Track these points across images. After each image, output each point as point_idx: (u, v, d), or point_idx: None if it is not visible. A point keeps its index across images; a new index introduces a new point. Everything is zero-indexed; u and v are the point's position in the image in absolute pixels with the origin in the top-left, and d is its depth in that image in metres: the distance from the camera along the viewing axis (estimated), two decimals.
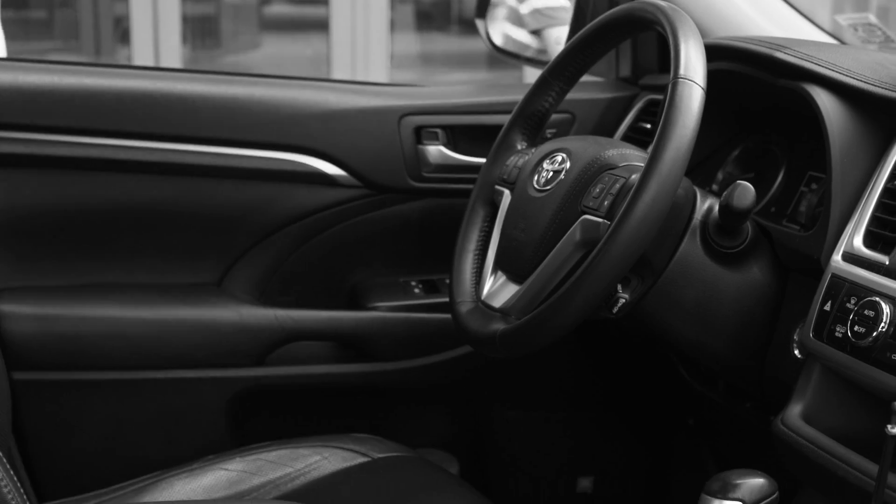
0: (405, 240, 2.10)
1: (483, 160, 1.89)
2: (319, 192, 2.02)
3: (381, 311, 2.05)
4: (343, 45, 6.83)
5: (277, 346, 2.00)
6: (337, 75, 6.36)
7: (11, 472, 1.15)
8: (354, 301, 2.10)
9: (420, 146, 2.04)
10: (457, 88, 2.21)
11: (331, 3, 6.81)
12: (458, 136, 2.06)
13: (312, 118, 2.00)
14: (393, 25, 7.08)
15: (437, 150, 2.05)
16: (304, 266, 2.07)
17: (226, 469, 1.64)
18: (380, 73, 6.38)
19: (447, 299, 1.86)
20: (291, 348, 2.02)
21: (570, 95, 1.88)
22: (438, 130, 2.05)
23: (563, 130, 2.05)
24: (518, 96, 1.89)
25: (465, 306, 1.61)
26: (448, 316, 1.84)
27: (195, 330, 1.96)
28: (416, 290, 2.09)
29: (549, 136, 2.00)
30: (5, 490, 1.13)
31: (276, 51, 7.39)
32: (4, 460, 1.15)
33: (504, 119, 1.86)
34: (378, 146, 2.02)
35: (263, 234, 2.03)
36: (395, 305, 2.05)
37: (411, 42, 7.73)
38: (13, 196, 1.92)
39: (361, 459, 1.67)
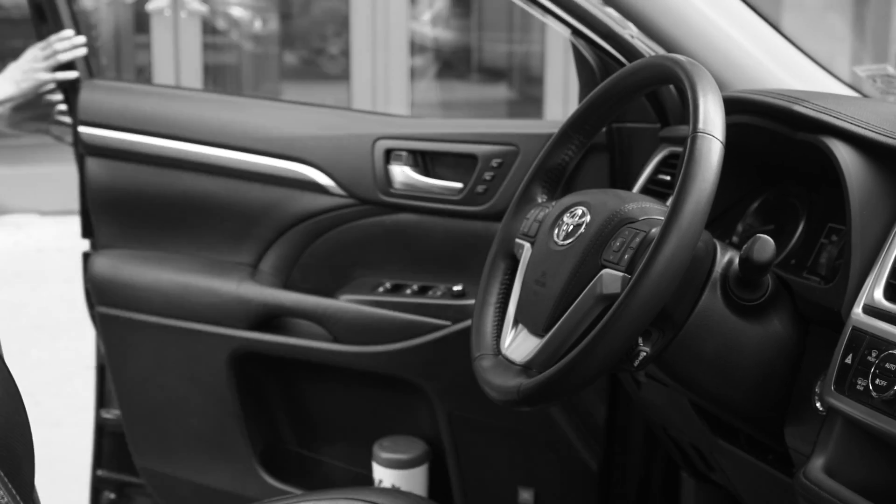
0: (385, 247, 2.42)
1: (447, 183, 2.34)
2: (318, 199, 2.41)
3: (341, 301, 2.39)
4: (363, 93, 6.87)
5: (264, 318, 2.41)
6: None
7: (13, 490, 1.16)
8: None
9: (388, 166, 2.37)
10: (429, 120, 2.60)
11: (351, 52, 6.86)
12: (427, 161, 2.39)
13: (311, 136, 2.42)
14: (413, 73, 7.12)
15: (401, 171, 2.37)
16: (316, 260, 2.45)
17: None
18: None
19: (404, 300, 2.34)
20: (292, 327, 2.44)
21: (515, 129, 2.31)
22: (403, 153, 2.37)
23: (508, 161, 2.28)
24: (481, 129, 2.35)
25: (486, 360, 1.61)
26: (398, 314, 2.34)
27: (208, 294, 2.42)
28: (380, 290, 2.40)
29: (494, 164, 2.28)
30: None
31: (296, 99, 7.46)
32: (6, 478, 1.16)
33: (467, 147, 2.32)
34: (357, 163, 2.39)
35: (283, 229, 2.44)
36: (355, 299, 2.38)
37: (431, 90, 7.77)
38: (126, 183, 2.48)
39: None
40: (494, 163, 2.29)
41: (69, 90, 2.52)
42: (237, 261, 2.48)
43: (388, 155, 2.37)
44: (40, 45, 2.47)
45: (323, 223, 2.42)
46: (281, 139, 2.41)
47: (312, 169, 2.40)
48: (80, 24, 2.54)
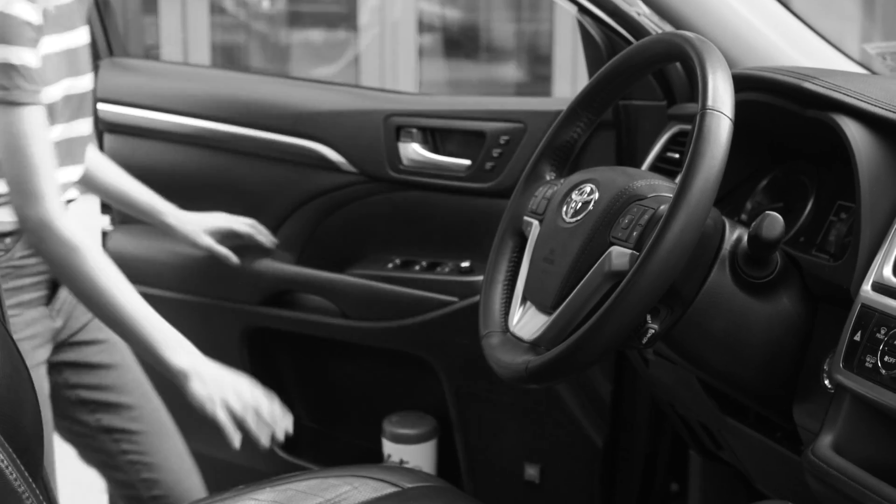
0: (395, 223, 2.44)
1: (455, 160, 2.35)
2: (330, 176, 2.43)
3: (351, 277, 2.41)
4: (372, 71, 6.87)
5: (276, 293, 2.45)
6: None
7: (21, 467, 1.16)
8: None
9: (399, 143, 2.38)
10: (438, 98, 2.64)
11: (359, 31, 6.85)
12: (437, 138, 2.38)
13: (322, 114, 2.42)
14: (421, 52, 7.10)
15: (411, 148, 2.38)
16: (328, 236, 2.47)
17: (256, 499, 1.65)
18: None
19: (413, 276, 2.37)
20: (304, 302, 2.45)
21: (522, 106, 2.32)
22: (414, 130, 2.38)
23: (516, 138, 2.29)
24: (490, 106, 2.37)
25: (494, 337, 1.61)
26: (406, 290, 2.36)
27: (221, 269, 2.42)
28: (389, 266, 2.42)
29: (502, 141, 2.29)
30: (21, 490, 1.14)
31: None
32: (13, 455, 1.16)
33: (475, 124, 2.33)
34: (368, 141, 2.40)
35: (296, 206, 2.46)
36: (364, 274, 2.40)
37: (439, 69, 7.75)
38: (143, 159, 2.50)
39: (392, 489, 1.68)
40: (502, 140, 2.30)
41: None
42: None
43: (399, 132, 2.38)
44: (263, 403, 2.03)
45: (335, 200, 2.44)
46: (294, 116, 2.43)
47: (324, 146, 2.41)
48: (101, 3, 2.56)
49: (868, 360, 1.36)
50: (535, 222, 1.66)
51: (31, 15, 1.82)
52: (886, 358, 1.34)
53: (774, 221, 1.45)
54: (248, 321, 2.45)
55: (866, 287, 1.42)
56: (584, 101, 1.69)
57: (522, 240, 1.69)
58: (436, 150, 2.39)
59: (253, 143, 2.45)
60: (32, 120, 1.84)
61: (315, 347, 2.53)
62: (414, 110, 2.40)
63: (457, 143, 2.38)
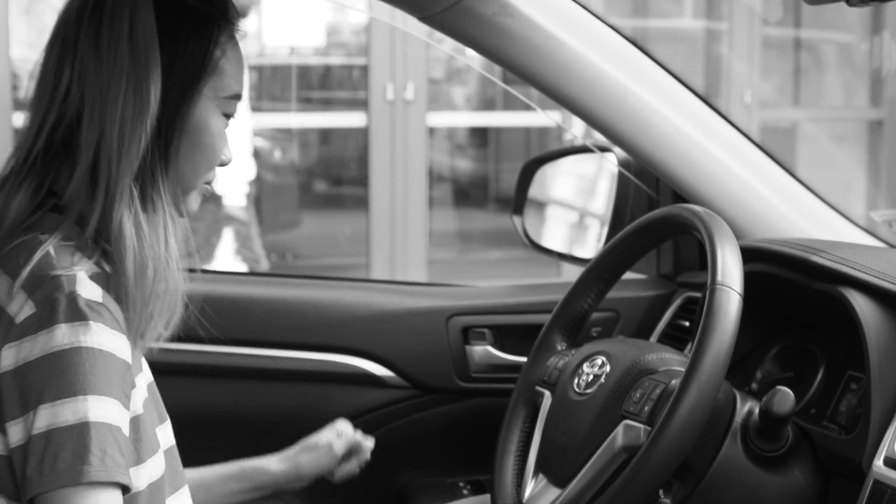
0: (452, 440, 2.11)
1: None
2: (368, 393, 2.05)
3: None
4: (382, 223, 6.92)
5: None
6: (376, 253, 6.42)
7: None
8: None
9: (468, 346, 2.09)
10: (501, 288, 2.24)
11: (370, 182, 6.92)
12: (503, 336, 2.09)
13: (361, 320, 2.05)
14: (431, 203, 7.17)
15: (484, 351, 2.09)
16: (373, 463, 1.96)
17: None
18: (418, 251, 6.45)
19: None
20: None
21: (613, 294, 1.94)
22: (486, 331, 2.08)
23: (608, 328, 2.09)
24: (559, 296, 1.94)
25: None
26: None
27: None
28: (465, 492, 2.08)
29: (594, 334, 2.06)
30: None
31: (315, 229, 7.49)
32: None
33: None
34: (426, 347, 2.07)
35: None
36: None
37: (449, 219, 7.82)
38: None
39: None
40: (594, 332, 2.10)
41: None
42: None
43: (466, 334, 2.10)
44: None
45: (378, 419, 2.05)
46: (326, 327, 2.04)
47: (365, 360, 2.05)
48: None
49: None
50: (547, 393, 1.66)
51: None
52: None
53: (785, 397, 1.45)
54: None
55: (878, 462, 1.42)
56: (595, 271, 1.71)
57: (535, 410, 1.69)
58: (502, 349, 2.10)
59: (262, 365, 2.01)
60: None
61: None
62: (482, 306, 2.11)
63: (529, 342, 1.90)
